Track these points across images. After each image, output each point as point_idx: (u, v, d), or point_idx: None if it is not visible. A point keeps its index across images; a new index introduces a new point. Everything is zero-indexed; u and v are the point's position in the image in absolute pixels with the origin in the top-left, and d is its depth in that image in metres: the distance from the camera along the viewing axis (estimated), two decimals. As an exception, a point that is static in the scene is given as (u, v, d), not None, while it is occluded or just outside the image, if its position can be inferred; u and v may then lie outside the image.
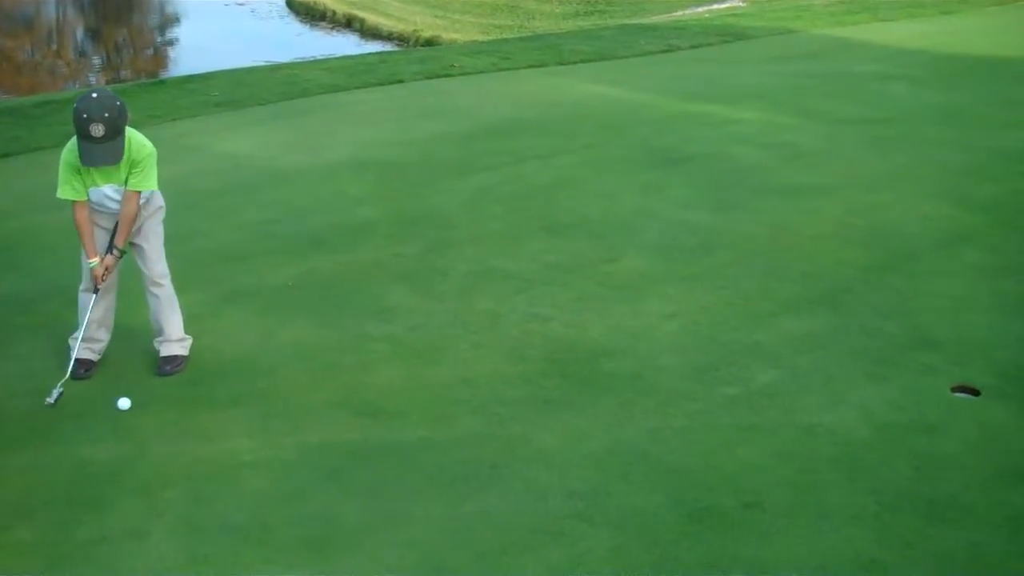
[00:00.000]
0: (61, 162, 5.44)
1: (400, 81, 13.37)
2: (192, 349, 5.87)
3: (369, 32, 33.47)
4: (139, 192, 5.49)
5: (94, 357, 5.79)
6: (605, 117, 11.15)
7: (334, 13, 36.14)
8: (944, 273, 6.87)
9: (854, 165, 9.26)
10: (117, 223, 5.56)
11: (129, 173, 5.44)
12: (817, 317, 6.28)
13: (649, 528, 4.38)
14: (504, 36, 24.13)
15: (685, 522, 4.40)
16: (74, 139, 5.33)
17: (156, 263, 5.74)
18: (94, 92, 5.35)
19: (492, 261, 7.20)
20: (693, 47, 16.01)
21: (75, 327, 5.69)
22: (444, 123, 10.99)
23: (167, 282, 5.78)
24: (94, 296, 5.61)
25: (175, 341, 5.83)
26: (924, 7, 19.92)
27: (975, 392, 5.44)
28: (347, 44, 30.48)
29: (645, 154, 9.66)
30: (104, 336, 5.83)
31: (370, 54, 17.86)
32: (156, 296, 5.76)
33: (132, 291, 5.93)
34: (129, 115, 5.37)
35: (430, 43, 28.73)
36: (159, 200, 5.78)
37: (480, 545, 4.30)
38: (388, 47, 29.24)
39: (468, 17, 34.29)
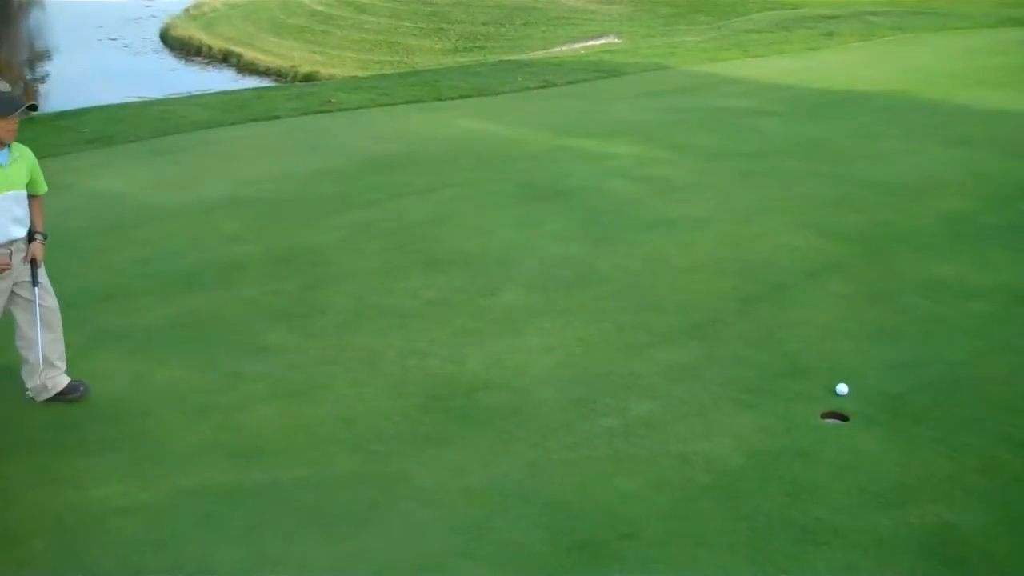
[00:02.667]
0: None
1: (277, 117, 13.28)
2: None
3: (246, 68, 33.20)
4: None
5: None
6: (483, 152, 11.23)
7: (210, 48, 35.77)
8: (812, 303, 7.07)
9: (726, 198, 9.49)
10: None
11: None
12: (691, 348, 6.39)
13: (528, 562, 4.40)
14: (383, 72, 24.13)
15: (563, 555, 4.43)
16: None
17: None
18: None
19: (370, 297, 7.17)
20: (569, 83, 16.22)
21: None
22: (321, 159, 10.94)
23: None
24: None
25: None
26: (791, 44, 20.54)
27: (844, 418, 5.60)
28: (223, 80, 30.18)
29: (522, 189, 9.74)
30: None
31: (246, 90, 17.74)
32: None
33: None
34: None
35: (308, 79, 28.63)
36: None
37: (359, 585, 4.27)
38: (265, 83, 29.03)
39: (347, 53, 34.23)
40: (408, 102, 14.38)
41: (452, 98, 14.80)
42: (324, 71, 30.79)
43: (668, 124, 12.77)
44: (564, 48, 26.88)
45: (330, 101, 14.20)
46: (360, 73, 26.65)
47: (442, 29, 36.40)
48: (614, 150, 11.25)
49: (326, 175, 10.27)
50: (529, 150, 11.30)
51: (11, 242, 5.46)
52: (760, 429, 5.44)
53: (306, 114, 13.46)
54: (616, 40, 29.29)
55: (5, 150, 5.44)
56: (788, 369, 6.10)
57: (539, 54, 25.08)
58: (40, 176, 5.71)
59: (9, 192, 5.43)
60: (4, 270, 5.41)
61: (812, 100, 14.48)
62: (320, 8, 39.44)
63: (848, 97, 14.69)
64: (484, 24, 36.65)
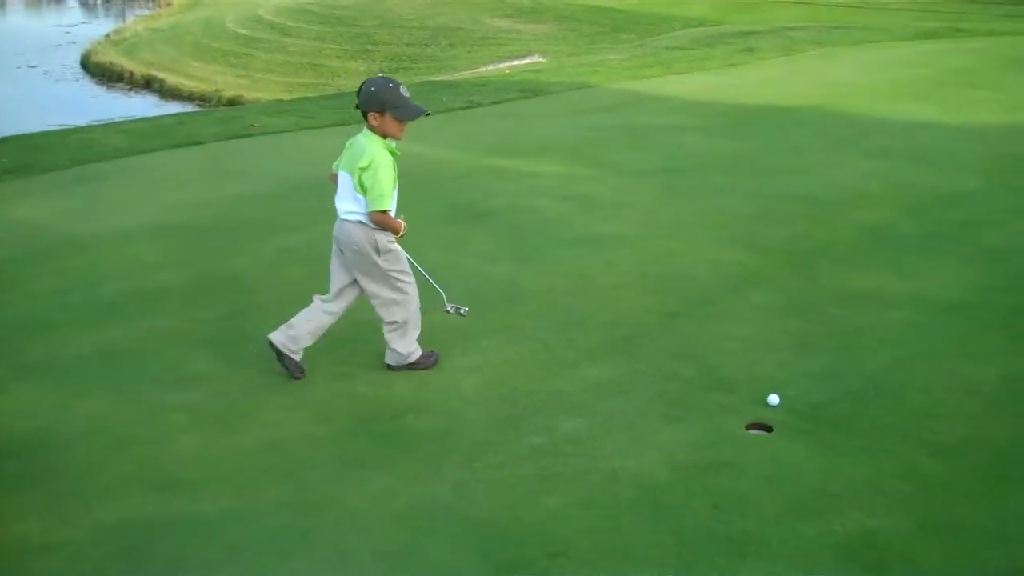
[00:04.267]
0: (382, 174, 5.89)
1: (199, 142, 13.17)
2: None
3: (169, 93, 32.93)
4: None
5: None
6: (408, 173, 11.05)
7: (132, 74, 35.43)
8: (735, 315, 7.15)
9: (649, 214, 9.57)
10: None
11: None
12: (617, 364, 6.44)
13: (457, 584, 4.39)
14: (308, 95, 24.05)
15: (491, 575, 4.43)
16: (380, 148, 5.91)
17: None
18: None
19: (296, 322, 7.12)
20: (494, 103, 16.30)
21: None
22: (245, 184, 10.87)
23: None
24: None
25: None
26: (713, 60, 20.84)
27: (768, 429, 5.66)
28: (146, 106, 29.89)
29: (448, 209, 9.76)
30: None
31: (168, 115, 17.57)
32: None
33: None
34: None
35: (233, 103, 28.46)
36: None
37: (286, 614, 4.23)
38: (189, 108, 28.79)
39: (271, 76, 34.10)
40: (333, 125, 14.34)
41: (377, 120, 14.75)
42: (249, 95, 30.64)
43: (592, 142, 12.87)
44: (489, 68, 26.98)
45: (253, 125, 14.12)
46: (285, 96, 26.54)
47: (367, 51, 36.43)
48: (539, 169, 11.31)
49: (250, 200, 10.21)
50: (454, 170, 11.32)
51: None
52: (686, 443, 5.48)
53: (229, 139, 13.38)
54: (541, 59, 29.49)
55: None
56: (713, 382, 6.17)
57: (464, 74, 25.16)
58: None
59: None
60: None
61: (734, 115, 14.69)
62: (244, 31, 39.27)
63: (769, 112, 14.93)
64: (409, 45, 36.74)
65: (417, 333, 6.37)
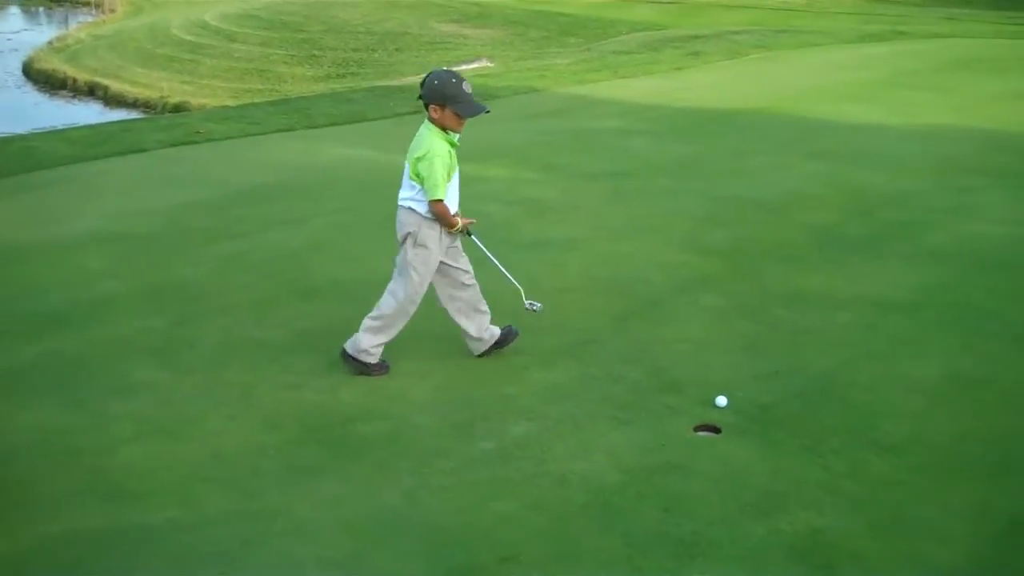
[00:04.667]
0: (438, 163, 5.99)
1: (144, 150, 13.02)
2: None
3: (113, 100, 32.57)
4: None
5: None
6: (356, 179, 11.18)
7: (75, 81, 35.00)
8: (683, 318, 7.18)
9: (598, 217, 9.60)
10: None
11: None
12: (566, 367, 6.44)
13: (407, 591, 4.36)
14: (254, 100, 23.88)
15: (443, 582, 4.41)
16: (438, 139, 6.04)
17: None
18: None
19: (243, 330, 7.06)
20: (442, 107, 16.23)
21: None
22: (191, 191, 10.76)
23: None
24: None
25: None
26: (659, 64, 20.94)
27: (717, 430, 5.69)
28: (89, 113, 29.53)
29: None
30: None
31: (112, 122, 17.37)
32: None
33: None
34: None
35: (178, 109, 28.20)
36: None
37: (234, 625, 4.18)
38: (134, 114, 28.49)
39: (217, 82, 33.82)
40: (279, 131, 14.26)
41: (324, 125, 14.72)
42: (194, 101, 30.36)
43: (540, 146, 12.89)
44: (437, 73, 26.93)
45: (198, 132, 13.99)
46: (231, 102, 26.34)
47: (314, 56, 36.24)
48: (487, 173, 11.29)
49: (195, 207, 10.11)
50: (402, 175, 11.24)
51: None
52: (635, 445, 5.49)
53: (173, 146, 13.24)
54: (488, 64, 29.48)
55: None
56: (661, 385, 6.19)
57: (413, 79, 25.08)
58: None
59: (457, 166, 6.23)
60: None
61: (681, 119, 14.78)
62: (189, 37, 38.92)
63: (715, 115, 15.03)
64: (356, 50, 36.59)
65: (387, 340, 6.35)
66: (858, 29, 27.57)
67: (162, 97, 31.75)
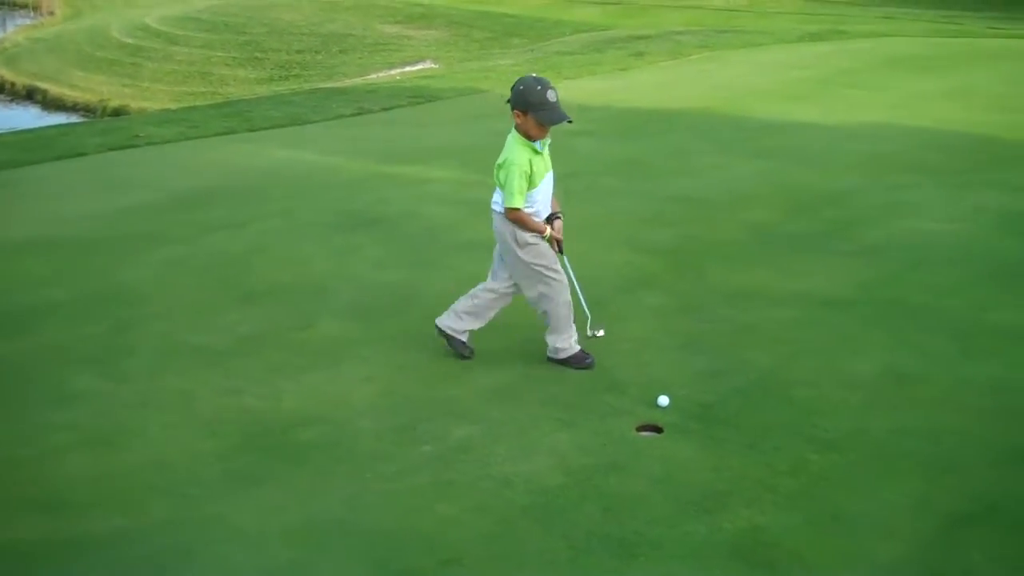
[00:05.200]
0: (515, 172, 6.00)
1: (82, 154, 12.85)
2: None
3: (52, 104, 32.16)
4: None
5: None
6: (298, 182, 11.11)
7: (13, 85, 34.51)
8: (626, 317, 7.21)
9: (541, 218, 9.58)
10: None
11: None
12: (510, 369, 6.44)
13: (349, 597, 4.34)
14: (196, 104, 23.66)
15: (385, 587, 4.39)
16: (519, 147, 6.05)
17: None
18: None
19: (183, 336, 6.99)
20: (385, 109, 16.22)
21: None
22: (130, 195, 10.63)
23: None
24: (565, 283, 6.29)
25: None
26: (603, 65, 21.00)
27: (658, 430, 5.71)
28: (28, 117, 29.12)
29: (339, 217, 9.67)
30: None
31: (49, 127, 17.13)
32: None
33: None
34: None
35: (119, 113, 27.92)
36: None
37: (173, 635, 4.13)
38: (73, 119, 28.13)
39: (158, 85, 33.49)
40: (220, 134, 14.13)
41: (265, 128, 14.61)
42: (135, 104, 30.06)
43: (484, 147, 12.77)
44: (381, 75, 26.86)
45: (138, 136, 13.83)
46: (173, 105, 26.07)
47: (257, 58, 35.99)
48: (431, 175, 11.28)
49: (136, 212, 9.99)
50: (345, 178, 11.23)
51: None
52: (577, 446, 5.50)
53: (113, 150, 13.07)
54: (433, 65, 29.45)
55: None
56: (604, 384, 6.20)
57: (356, 81, 25.00)
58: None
59: (547, 174, 6.27)
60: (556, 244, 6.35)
61: (625, 119, 14.82)
62: (129, 40, 38.49)
63: (659, 115, 15.10)
64: (299, 52, 36.39)
65: (570, 330, 6.40)
66: (799, 29, 27.82)
67: (102, 101, 31.40)
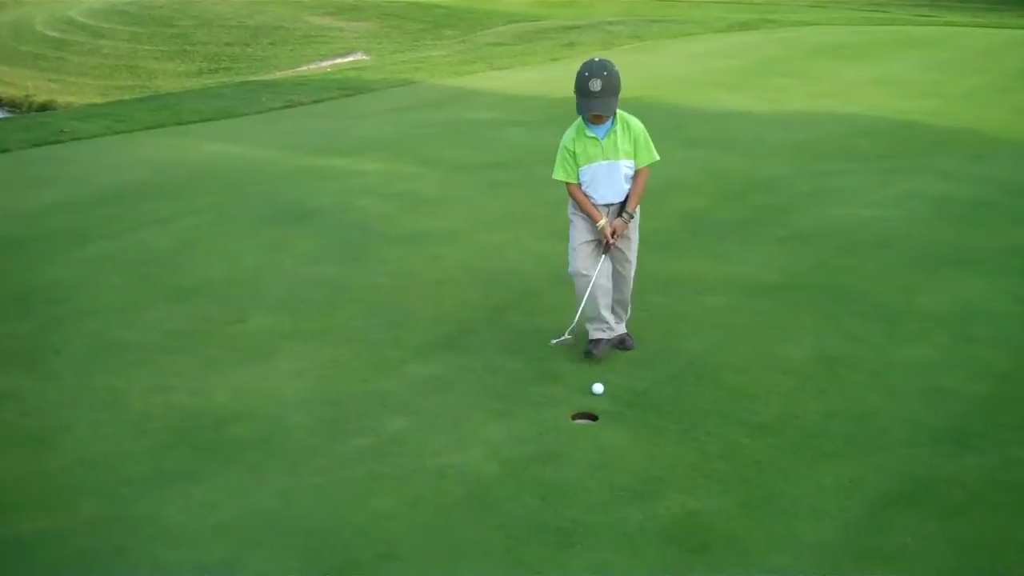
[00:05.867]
0: (560, 150, 6.19)
1: (6, 150, 12.59)
2: None
3: (-26, 100, 31.43)
4: (648, 167, 6.26)
5: (603, 336, 6.33)
6: (227, 176, 10.97)
7: (-67, 81, 33.65)
8: (559, 308, 7.14)
9: (474, 209, 9.59)
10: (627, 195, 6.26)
11: (635, 150, 6.19)
12: (444, 360, 6.42)
13: (283, 593, 4.29)
14: (124, 97, 23.28)
15: (319, 582, 4.35)
16: (571, 128, 6.20)
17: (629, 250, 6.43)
18: (596, 57, 6.25)
19: (111, 333, 6.87)
20: (315, 102, 16.10)
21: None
22: (55, 192, 10.43)
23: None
24: (592, 281, 6.20)
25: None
26: (535, 55, 21.03)
27: (593, 417, 5.73)
28: (-52, 114, 28.44)
29: (269, 211, 9.57)
30: (610, 318, 6.35)
31: (-29, 123, 16.74)
32: (623, 276, 6.40)
33: None
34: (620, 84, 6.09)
35: (44, 108, 27.37)
36: None
37: (104, 637, 4.07)
38: (-2, 114, 27.56)
39: (85, 79, 32.88)
40: (148, 128, 13.93)
41: (194, 122, 14.42)
42: (61, 99, 29.47)
43: (416, 139, 12.83)
44: (311, 67, 26.62)
45: (63, 131, 13.57)
46: (100, 100, 25.61)
47: (185, 51, 35.47)
48: (362, 167, 11.21)
49: (60, 209, 9.80)
50: (275, 171, 11.11)
51: (607, 205, 6.25)
52: (513, 436, 5.50)
53: (36, 146, 12.82)
54: (364, 57, 29.24)
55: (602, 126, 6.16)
56: (539, 374, 6.20)
57: (286, 73, 24.77)
58: (643, 147, 6.27)
59: (604, 162, 6.14)
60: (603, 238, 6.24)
61: (556, 109, 14.76)
62: (54, 34, 37.75)
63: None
64: (229, 45, 35.92)
65: (590, 316, 6.34)
66: (729, 18, 28.05)
67: (27, 96, 30.75)
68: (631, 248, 6.46)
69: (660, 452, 5.34)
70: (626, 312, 6.57)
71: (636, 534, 4.66)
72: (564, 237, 8.58)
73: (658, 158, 6.33)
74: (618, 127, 6.22)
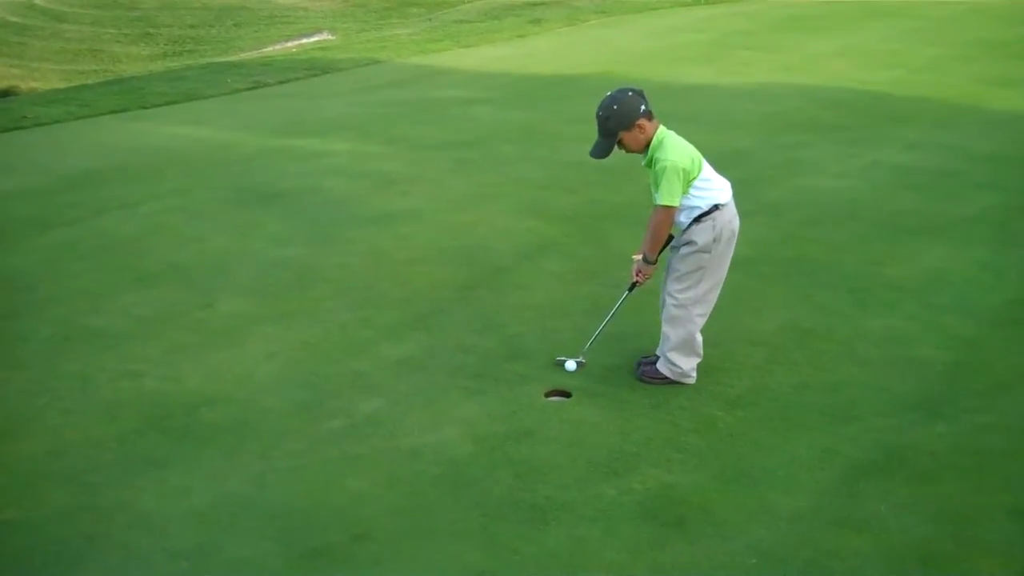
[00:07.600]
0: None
1: (-33, 137, 12.45)
2: None
3: (-65, 87, 31.00)
4: (658, 205, 5.66)
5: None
6: (193, 159, 10.87)
7: None
8: (530, 284, 7.21)
9: (442, 188, 9.55)
10: None
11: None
12: (415, 340, 6.39)
13: (258, 577, 4.28)
14: (87, 82, 23.03)
15: (295, 565, 4.33)
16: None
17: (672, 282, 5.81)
18: (624, 87, 5.90)
19: (78, 320, 6.81)
20: (281, 82, 15.98)
21: None
22: (17, 179, 10.31)
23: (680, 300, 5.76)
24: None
25: (667, 356, 5.76)
26: (501, 32, 20.95)
27: (566, 394, 5.73)
28: (-92, 101, 28.04)
29: (236, 193, 9.49)
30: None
31: (-69, 110, 16.50)
32: (667, 308, 5.82)
33: None
34: (626, 118, 5.71)
35: (7, 94, 27.00)
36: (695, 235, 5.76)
37: (78, 626, 4.04)
38: (-42, 101, 27.20)
39: (48, 64, 32.55)
40: (111, 112, 13.78)
41: (159, 105, 14.28)
42: (24, 85, 29.13)
43: (383, 118, 12.76)
44: (276, 47, 26.40)
45: (25, 117, 13.42)
46: (63, 85, 25.33)
47: (149, 34, 35.17)
48: (330, 148, 11.14)
49: (22, 195, 9.68)
50: (242, 153, 11.03)
51: None
52: (486, 415, 5.49)
53: (-1, 132, 12.69)
54: (329, 37, 29.04)
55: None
56: (511, 352, 6.19)
57: (251, 54, 24.56)
58: (657, 183, 5.71)
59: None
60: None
61: (522, 86, 14.81)
62: (14, 19, 37.32)
63: (557, 81, 15.11)
64: (193, 27, 35.65)
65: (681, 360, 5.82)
66: (693, -8, 28.02)
67: (-12, 82, 30.39)
68: (672, 288, 5.91)
69: (633, 428, 5.34)
70: (663, 342, 5.94)
71: (611, 510, 4.67)
72: (533, 214, 8.63)
73: (666, 203, 5.74)
74: (650, 158, 5.81)
